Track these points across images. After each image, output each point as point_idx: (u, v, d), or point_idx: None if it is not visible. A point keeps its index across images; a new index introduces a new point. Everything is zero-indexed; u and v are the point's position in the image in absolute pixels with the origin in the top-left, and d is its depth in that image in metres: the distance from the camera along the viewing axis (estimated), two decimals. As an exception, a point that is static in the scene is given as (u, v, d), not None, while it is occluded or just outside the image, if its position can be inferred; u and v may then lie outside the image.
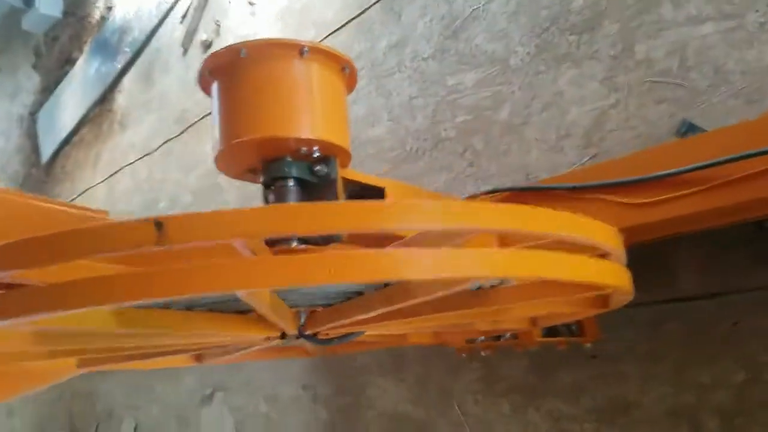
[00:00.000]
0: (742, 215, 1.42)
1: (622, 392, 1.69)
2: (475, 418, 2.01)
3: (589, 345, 1.69)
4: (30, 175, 4.81)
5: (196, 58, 3.43)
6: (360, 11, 2.60)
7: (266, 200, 1.26)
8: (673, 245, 1.61)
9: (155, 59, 3.77)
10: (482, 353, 1.80)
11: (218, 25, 3.34)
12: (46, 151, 4.59)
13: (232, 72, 1.26)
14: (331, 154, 1.26)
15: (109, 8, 4.25)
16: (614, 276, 0.90)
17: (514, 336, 1.67)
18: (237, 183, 3.06)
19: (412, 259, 0.69)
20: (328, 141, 1.23)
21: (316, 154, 1.25)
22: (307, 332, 1.13)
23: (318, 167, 1.26)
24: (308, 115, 1.23)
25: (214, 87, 1.30)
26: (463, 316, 1.23)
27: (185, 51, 3.52)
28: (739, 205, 1.32)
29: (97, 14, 4.38)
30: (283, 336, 1.18)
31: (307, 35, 2.82)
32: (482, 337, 1.71)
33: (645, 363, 1.66)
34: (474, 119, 2.13)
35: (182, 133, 3.47)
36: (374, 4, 2.54)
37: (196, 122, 3.40)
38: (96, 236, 0.64)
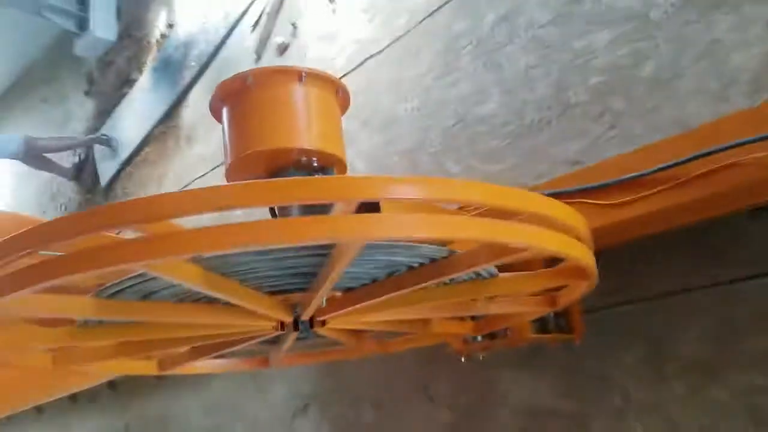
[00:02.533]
0: (704, 212, 1.57)
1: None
2: (640, 404, 1.79)
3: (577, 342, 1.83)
4: (88, 201, 4.72)
5: (271, 63, 3.34)
6: (461, -11, 2.49)
7: (272, 211, 1.38)
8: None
9: (224, 69, 3.69)
10: (480, 356, 1.91)
11: (295, 27, 3.26)
12: (106, 174, 4.51)
13: (240, 96, 1.45)
14: (329, 164, 1.47)
15: (171, 26, 4.21)
16: (571, 247, 1.05)
17: (506, 334, 1.77)
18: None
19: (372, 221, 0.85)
20: (326, 152, 1.43)
21: (316, 164, 1.43)
22: (303, 319, 1.23)
23: (317, 175, 1.43)
24: (307, 130, 1.43)
25: (224, 111, 1.48)
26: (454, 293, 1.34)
27: (259, 57, 3.44)
28: (697, 202, 1.48)
29: (156, 33, 4.35)
30: (282, 327, 1.26)
31: (399, 23, 2.72)
32: (479, 338, 1.80)
33: None
34: (611, 79, 1.98)
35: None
36: (477, -20, 2.44)
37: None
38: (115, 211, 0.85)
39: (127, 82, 4.48)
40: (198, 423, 3.30)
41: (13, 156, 4.53)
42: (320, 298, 1.16)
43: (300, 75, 1.44)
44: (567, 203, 1.40)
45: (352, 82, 2.87)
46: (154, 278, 1.05)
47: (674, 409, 1.72)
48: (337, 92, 1.53)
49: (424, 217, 0.90)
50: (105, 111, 4.68)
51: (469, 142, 2.34)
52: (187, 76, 3.90)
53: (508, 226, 0.96)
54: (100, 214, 0.84)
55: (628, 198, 1.55)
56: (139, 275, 1.04)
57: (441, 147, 2.43)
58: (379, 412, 2.46)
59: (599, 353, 1.89)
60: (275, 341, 1.52)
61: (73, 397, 4.31)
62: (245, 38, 3.59)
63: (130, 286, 1.10)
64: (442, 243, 1.17)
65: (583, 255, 1.10)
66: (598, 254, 1.21)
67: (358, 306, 1.22)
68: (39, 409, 4.63)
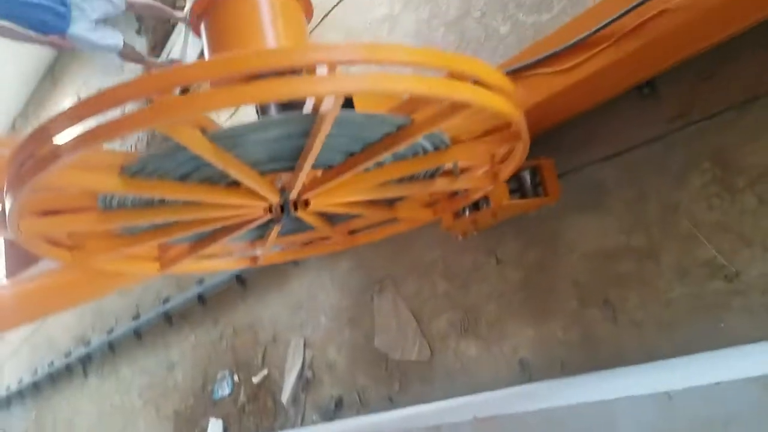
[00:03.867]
0: (645, 65, 1.73)
1: None
2: (710, 226, 1.77)
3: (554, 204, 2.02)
4: (154, 135, 4.91)
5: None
6: None
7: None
8: None
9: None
10: (464, 234, 2.11)
11: None
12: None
13: (213, 13, 1.63)
14: None
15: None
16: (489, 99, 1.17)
17: (477, 206, 1.96)
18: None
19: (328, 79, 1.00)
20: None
21: None
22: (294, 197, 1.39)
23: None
24: (274, 34, 1.60)
25: (202, 27, 1.66)
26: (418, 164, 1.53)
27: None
28: (636, 54, 1.60)
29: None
30: (277, 210, 1.44)
31: None
32: (467, 212, 2.00)
33: None
34: None
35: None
36: None
37: (313, 27, 3.30)
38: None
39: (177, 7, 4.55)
40: (285, 322, 3.49)
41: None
42: (304, 173, 1.30)
43: None
44: (527, 75, 1.82)
45: (390, -36, 2.83)
46: (168, 156, 1.18)
47: (746, 224, 1.70)
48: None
49: (374, 75, 1.04)
50: (157, 45, 4.78)
51: (514, -3, 2.28)
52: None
53: (443, 81, 1.11)
54: (124, 89, 0.99)
55: (576, 61, 1.70)
56: (156, 155, 1.19)
57: (486, 8, 2.38)
58: (451, 282, 2.54)
59: (662, 182, 1.87)
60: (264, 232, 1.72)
61: (168, 319, 4.62)
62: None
63: (148, 167, 1.24)
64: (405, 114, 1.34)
65: (511, 111, 1.25)
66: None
67: (336, 181, 1.39)
68: (138, 335, 4.99)
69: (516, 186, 2.04)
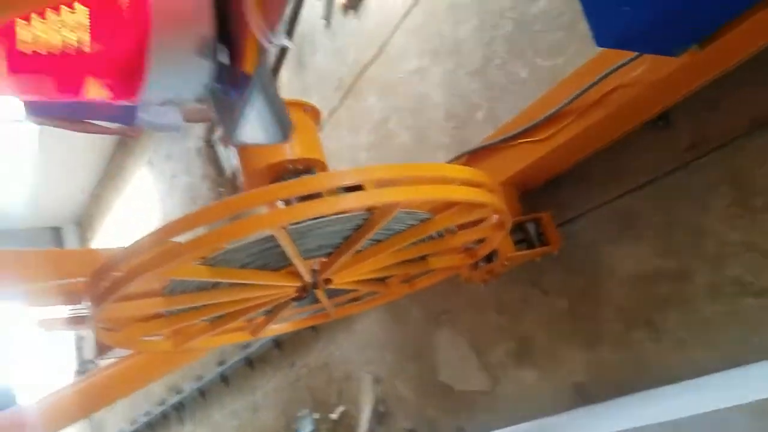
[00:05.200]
0: (609, 131, 2.05)
1: None
2: (735, 245, 1.86)
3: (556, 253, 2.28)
4: (219, 195, 5.27)
5: (340, 25, 3.57)
6: None
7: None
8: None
9: (302, 44, 3.97)
10: (483, 281, 2.33)
11: (355, -15, 3.45)
12: (228, 166, 5.01)
13: None
14: (312, 166, 1.99)
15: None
16: (483, 197, 1.51)
17: (490, 259, 2.22)
18: (408, 124, 3.13)
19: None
20: (306, 157, 1.96)
21: (301, 167, 1.96)
22: (322, 277, 1.61)
23: (304, 176, 1.88)
24: (290, 146, 1.93)
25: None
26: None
27: (328, 23, 3.68)
28: (598, 124, 1.93)
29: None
30: (305, 289, 1.66)
31: (444, -49, 2.83)
32: (482, 263, 2.23)
33: None
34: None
35: (344, 98, 3.62)
36: None
37: (353, 84, 3.53)
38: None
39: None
40: (355, 360, 3.69)
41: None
42: (342, 261, 1.56)
43: None
44: (511, 145, 2.19)
45: (415, 20, 3.05)
46: (243, 249, 1.46)
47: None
48: (306, 110, 2.04)
49: (417, 189, 1.37)
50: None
51: (530, 43, 2.43)
52: (272, 59, 4.22)
53: (448, 188, 1.43)
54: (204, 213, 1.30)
55: (551, 132, 2.03)
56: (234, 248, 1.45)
57: (507, 56, 2.54)
58: (503, 315, 2.68)
59: (687, 207, 1.97)
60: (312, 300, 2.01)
61: (250, 363, 4.92)
62: (314, 6, 3.83)
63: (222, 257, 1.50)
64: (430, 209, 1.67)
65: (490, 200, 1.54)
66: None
67: (361, 265, 1.67)
68: (225, 380, 5.32)
69: (522, 236, 2.28)
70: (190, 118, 4.74)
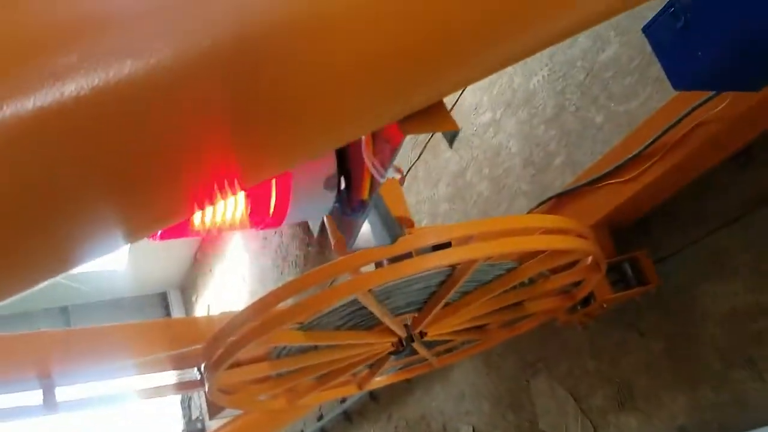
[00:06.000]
0: (693, 169, 2.05)
1: None
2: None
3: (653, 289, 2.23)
4: (308, 254, 5.48)
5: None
6: None
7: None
8: None
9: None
10: (582, 324, 2.33)
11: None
12: (315, 225, 5.22)
13: None
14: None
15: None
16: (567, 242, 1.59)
17: (587, 301, 2.20)
18: (485, 173, 3.21)
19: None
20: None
21: None
22: (416, 331, 1.68)
23: None
24: None
25: None
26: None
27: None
28: (683, 162, 1.93)
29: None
30: (402, 343, 1.73)
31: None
32: (580, 306, 2.21)
33: None
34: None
35: (421, 154, 3.74)
36: None
37: (428, 140, 3.66)
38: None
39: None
40: (451, 411, 3.70)
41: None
42: (433, 315, 1.64)
43: None
44: (598, 187, 2.19)
45: (485, 75, 3.15)
46: (335, 312, 1.57)
47: None
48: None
49: (503, 242, 1.47)
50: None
51: (602, 88, 2.48)
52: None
53: (526, 239, 1.51)
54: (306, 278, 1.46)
55: (637, 172, 2.02)
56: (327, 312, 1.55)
57: (580, 102, 2.59)
58: (600, 360, 2.64)
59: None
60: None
61: (348, 417, 5.00)
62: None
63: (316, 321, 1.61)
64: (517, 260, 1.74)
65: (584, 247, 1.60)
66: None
67: (454, 316, 1.77)
68: (325, 433, 5.42)
69: (618, 277, 2.26)
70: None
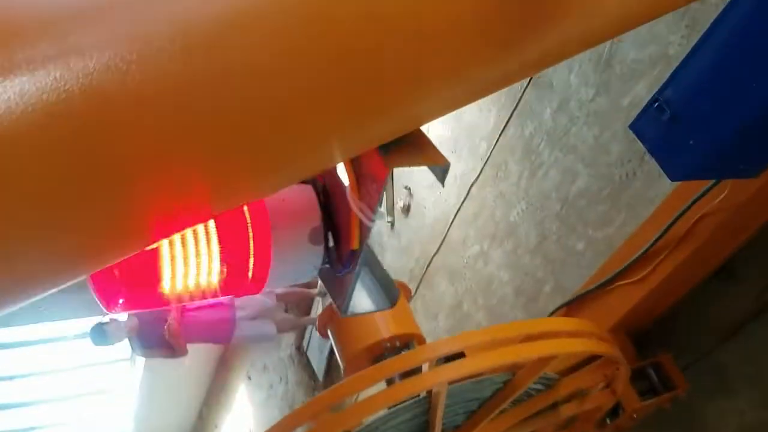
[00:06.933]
0: (708, 265, 1.99)
1: None
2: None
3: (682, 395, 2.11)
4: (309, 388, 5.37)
5: (403, 225, 3.86)
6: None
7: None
8: None
9: (372, 246, 4.26)
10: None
11: (408, 189, 3.79)
12: (320, 370, 5.16)
13: (334, 319, 2.20)
14: (408, 340, 2.11)
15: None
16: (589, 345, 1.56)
17: (617, 412, 2.08)
18: (480, 304, 3.24)
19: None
20: (402, 333, 2.07)
21: (398, 344, 2.07)
22: None
23: (403, 351, 2.06)
24: (384, 325, 2.07)
25: (329, 332, 2.21)
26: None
27: (392, 225, 3.99)
28: (694, 254, 1.84)
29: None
30: None
31: (482, 149, 3.12)
32: (607, 420, 2.11)
33: None
34: (664, 117, 2.18)
35: (417, 288, 3.79)
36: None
37: (423, 275, 3.72)
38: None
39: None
40: None
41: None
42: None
43: None
44: (609, 290, 2.09)
45: (468, 211, 3.28)
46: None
47: None
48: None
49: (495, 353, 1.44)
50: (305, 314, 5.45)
51: (579, 218, 2.58)
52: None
53: (533, 345, 1.48)
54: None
55: (647, 270, 1.94)
56: None
57: (560, 231, 2.69)
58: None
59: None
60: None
61: None
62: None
63: None
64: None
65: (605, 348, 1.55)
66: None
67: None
68: None
69: (645, 384, 2.13)
70: (282, 329, 5.00)
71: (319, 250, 1.02)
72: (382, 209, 4.01)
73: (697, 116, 1.32)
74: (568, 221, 2.64)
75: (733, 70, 1.24)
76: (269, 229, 0.97)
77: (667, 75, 1.36)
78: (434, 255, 3.59)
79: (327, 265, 1.05)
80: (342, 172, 0.97)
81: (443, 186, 0.93)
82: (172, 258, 0.89)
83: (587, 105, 2.50)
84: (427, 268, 3.67)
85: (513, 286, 3.01)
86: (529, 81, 2.77)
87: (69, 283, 0.61)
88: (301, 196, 1.05)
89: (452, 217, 3.39)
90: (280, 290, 4.84)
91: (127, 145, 0.54)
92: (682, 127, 1.34)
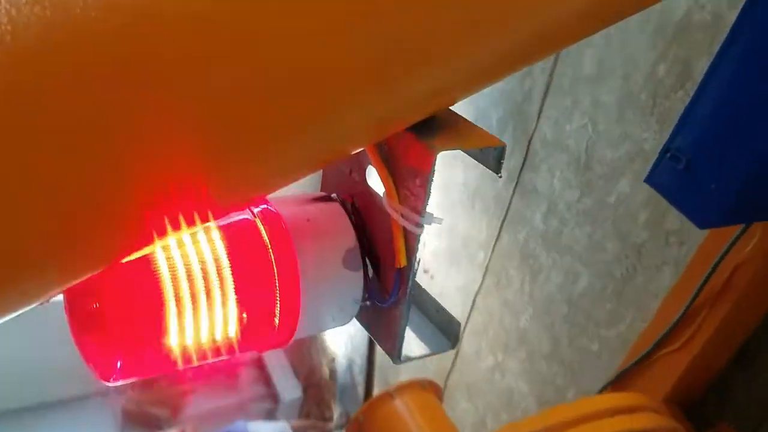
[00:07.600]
0: (750, 313, 1.77)
1: None
2: None
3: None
4: None
5: (413, 342, 3.78)
6: (505, 210, 2.90)
7: None
8: None
9: (386, 369, 4.17)
10: None
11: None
12: None
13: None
14: None
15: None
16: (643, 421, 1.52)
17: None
18: (503, 419, 3.11)
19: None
20: None
21: None
22: None
23: None
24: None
25: None
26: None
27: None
28: (734, 309, 1.69)
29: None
30: None
31: (479, 258, 3.12)
32: None
33: None
34: (655, 209, 2.20)
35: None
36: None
37: (442, 393, 3.60)
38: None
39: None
40: None
41: None
42: None
43: (390, 395, 1.91)
44: (652, 361, 1.93)
45: (476, 321, 3.23)
46: None
47: None
48: (424, 387, 2.01)
49: None
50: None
51: (586, 318, 2.53)
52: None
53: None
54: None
55: (688, 335, 1.80)
56: None
57: (572, 333, 2.63)
58: None
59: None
60: None
61: None
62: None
63: None
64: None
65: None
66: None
67: None
68: None
69: None
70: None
71: (358, 277, 0.83)
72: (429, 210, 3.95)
73: (713, 160, 1.26)
74: (577, 322, 2.59)
75: (741, 109, 1.20)
76: (294, 254, 0.77)
77: (648, 169, 1.37)
78: (450, 372, 3.49)
79: (368, 302, 0.85)
80: (375, 178, 0.80)
81: (499, 176, 0.72)
82: (177, 299, 0.69)
83: (575, 206, 2.53)
84: (445, 387, 3.56)
85: (534, 397, 2.90)
86: (514, 189, 2.82)
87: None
88: (329, 214, 0.87)
89: (462, 330, 3.33)
90: (296, 422, 4.70)
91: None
92: (700, 174, 1.28)
